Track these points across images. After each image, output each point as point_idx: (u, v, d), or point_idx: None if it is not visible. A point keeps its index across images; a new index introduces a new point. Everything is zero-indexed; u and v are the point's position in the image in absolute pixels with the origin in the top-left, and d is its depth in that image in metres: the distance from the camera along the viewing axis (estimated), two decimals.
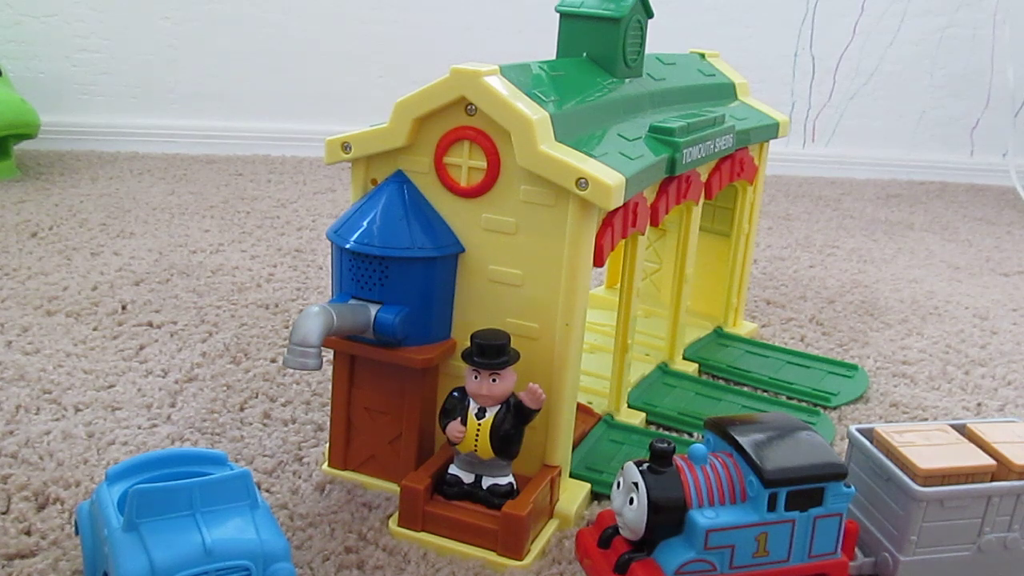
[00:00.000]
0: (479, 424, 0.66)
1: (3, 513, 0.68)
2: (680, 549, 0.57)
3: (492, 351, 0.65)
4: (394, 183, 0.70)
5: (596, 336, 1.01)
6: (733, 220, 1.08)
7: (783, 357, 1.05)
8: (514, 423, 0.66)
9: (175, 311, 1.09)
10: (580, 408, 0.80)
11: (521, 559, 0.66)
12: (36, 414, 0.83)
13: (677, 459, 0.59)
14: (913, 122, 2.20)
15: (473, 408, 0.66)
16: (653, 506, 0.57)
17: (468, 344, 0.66)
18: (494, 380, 0.65)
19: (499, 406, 0.66)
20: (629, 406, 0.89)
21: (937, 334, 1.18)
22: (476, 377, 0.66)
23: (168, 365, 0.94)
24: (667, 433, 0.88)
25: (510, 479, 0.68)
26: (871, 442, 0.67)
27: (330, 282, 0.77)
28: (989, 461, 0.64)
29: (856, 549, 0.65)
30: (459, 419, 0.66)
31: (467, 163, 0.68)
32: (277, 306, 1.12)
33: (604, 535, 0.61)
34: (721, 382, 0.99)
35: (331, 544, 0.67)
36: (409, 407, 0.72)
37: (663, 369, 0.97)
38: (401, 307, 0.68)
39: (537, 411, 0.66)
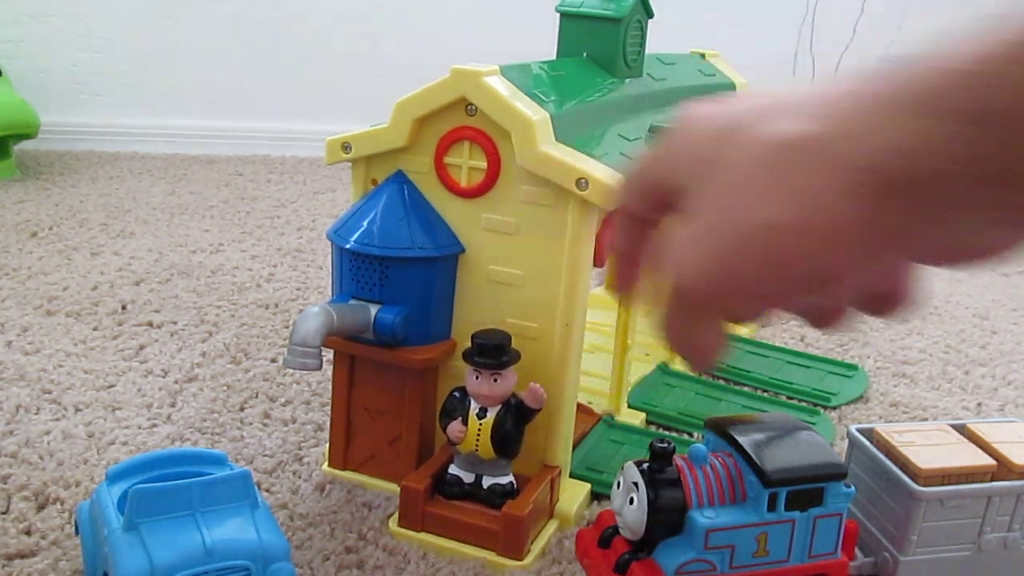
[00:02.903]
0: (480, 424, 0.66)
1: (3, 513, 0.68)
2: (680, 549, 0.57)
3: (493, 351, 0.65)
4: (394, 183, 0.70)
5: (596, 336, 1.01)
6: None
7: (783, 357, 1.05)
8: (515, 423, 0.66)
9: (175, 311, 1.09)
10: (580, 408, 0.80)
11: (521, 559, 0.66)
12: (36, 414, 0.83)
13: (677, 459, 0.59)
14: None
15: (474, 408, 0.66)
16: (653, 506, 0.57)
17: (468, 344, 0.66)
18: (495, 380, 0.65)
19: (500, 406, 0.66)
20: (629, 406, 0.89)
21: (937, 334, 1.18)
22: (477, 377, 0.66)
23: (168, 365, 0.94)
24: (667, 433, 0.88)
25: (510, 478, 0.68)
26: (871, 442, 0.67)
27: (330, 282, 0.77)
28: (989, 461, 0.64)
29: (856, 549, 0.65)
30: (460, 419, 0.66)
31: (467, 163, 0.68)
32: (277, 306, 1.12)
33: (604, 535, 0.61)
34: (721, 382, 0.99)
35: (331, 544, 0.67)
36: (409, 407, 0.72)
37: (663, 369, 0.97)
38: (401, 307, 0.68)
39: (538, 411, 0.66)
